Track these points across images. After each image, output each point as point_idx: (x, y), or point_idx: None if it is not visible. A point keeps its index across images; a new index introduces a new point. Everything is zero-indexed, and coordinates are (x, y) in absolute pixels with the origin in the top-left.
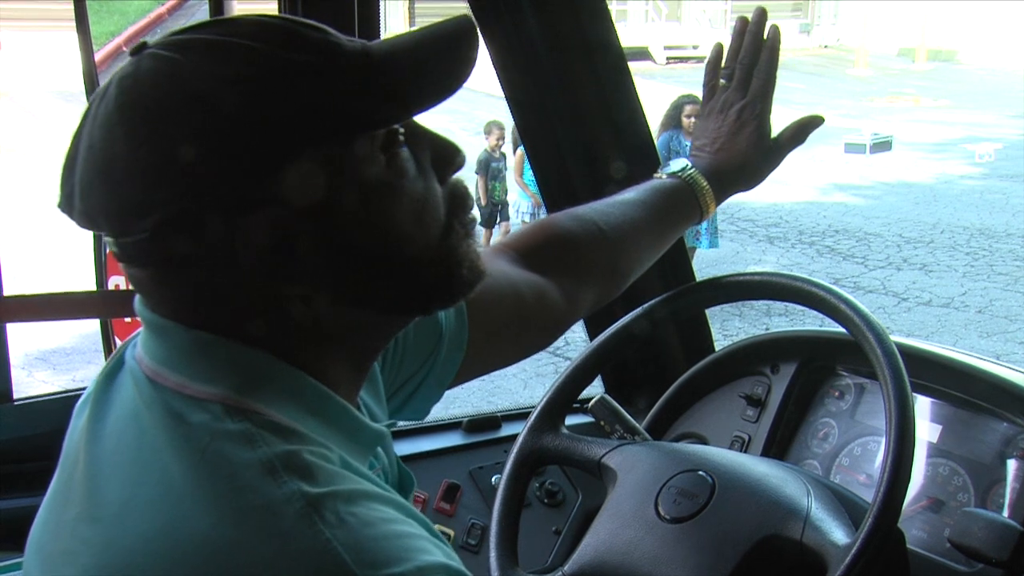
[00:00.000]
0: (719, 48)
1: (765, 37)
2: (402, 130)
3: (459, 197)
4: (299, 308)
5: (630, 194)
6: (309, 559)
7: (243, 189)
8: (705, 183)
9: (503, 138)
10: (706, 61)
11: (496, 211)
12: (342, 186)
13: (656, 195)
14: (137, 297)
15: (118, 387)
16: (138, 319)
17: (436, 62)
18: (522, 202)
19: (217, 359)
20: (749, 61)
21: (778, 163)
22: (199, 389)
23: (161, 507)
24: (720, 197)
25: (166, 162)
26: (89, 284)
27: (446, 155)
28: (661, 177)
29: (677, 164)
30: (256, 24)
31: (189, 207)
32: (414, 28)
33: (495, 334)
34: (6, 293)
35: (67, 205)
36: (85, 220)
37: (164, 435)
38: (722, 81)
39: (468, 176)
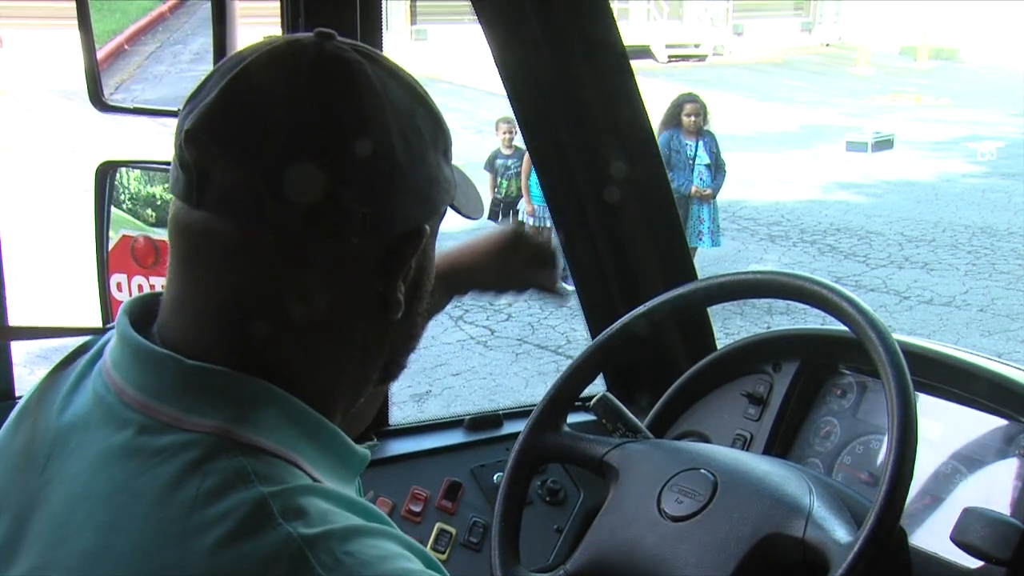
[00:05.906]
0: None
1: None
2: None
3: None
4: (349, 333)
5: None
6: None
7: (394, 219)
8: None
9: (510, 132)
10: None
11: (499, 209)
12: (425, 254)
13: None
14: (129, 328)
15: (81, 422)
16: None
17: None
18: (526, 204)
19: (214, 388)
20: None
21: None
22: (195, 422)
23: (146, 555)
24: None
25: (349, 167)
26: (90, 281)
27: None
28: None
29: None
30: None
31: (349, 211)
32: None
33: None
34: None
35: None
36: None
37: (147, 479)
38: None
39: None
